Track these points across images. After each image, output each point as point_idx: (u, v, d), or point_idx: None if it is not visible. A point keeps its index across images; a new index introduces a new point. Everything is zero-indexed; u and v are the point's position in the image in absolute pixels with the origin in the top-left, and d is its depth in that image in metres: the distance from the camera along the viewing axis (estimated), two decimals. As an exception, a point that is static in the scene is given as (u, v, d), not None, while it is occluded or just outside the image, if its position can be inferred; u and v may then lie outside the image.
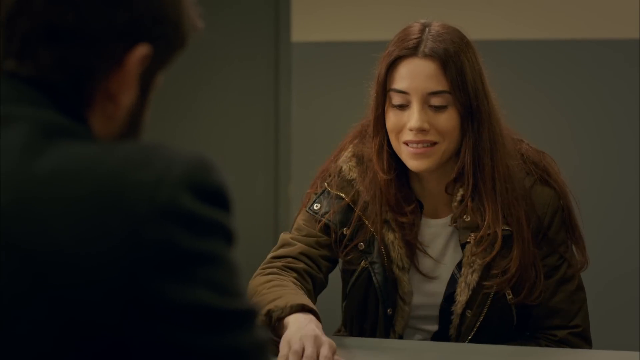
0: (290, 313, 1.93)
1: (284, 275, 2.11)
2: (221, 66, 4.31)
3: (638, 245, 3.90)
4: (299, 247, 2.17)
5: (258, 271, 2.15)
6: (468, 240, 2.10)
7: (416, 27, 2.09)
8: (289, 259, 2.15)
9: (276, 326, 1.94)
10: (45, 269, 0.88)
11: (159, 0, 1.00)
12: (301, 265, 2.14)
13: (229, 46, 4.30)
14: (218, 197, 0.94)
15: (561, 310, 2.15)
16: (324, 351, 1.83)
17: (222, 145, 4.31)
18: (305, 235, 2.18)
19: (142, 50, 0.99)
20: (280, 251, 2.18)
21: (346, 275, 2.22)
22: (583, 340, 2.17)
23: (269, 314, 1.94)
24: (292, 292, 2.01)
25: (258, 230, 4.15)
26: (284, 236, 2.22)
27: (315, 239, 2.18)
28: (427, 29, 2.08)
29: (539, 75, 3.99)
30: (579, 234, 2.18)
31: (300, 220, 2.22)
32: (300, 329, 1.88)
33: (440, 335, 2.18)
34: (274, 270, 2.13)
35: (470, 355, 2.02)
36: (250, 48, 4.29)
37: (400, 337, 2.18)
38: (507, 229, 2.09)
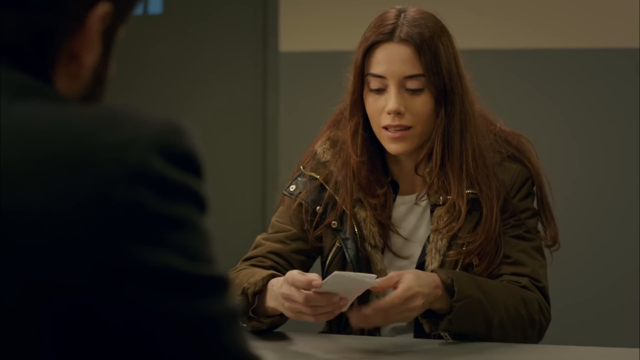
0: (263, 285, 2.01)
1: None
2: (209, 74, 4.36)
3: (638, 245, 3.91)
4: (267, 246, 2.22)
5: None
6: (438, 202, 2.14)
7: (392, 13, 2.15)
8: (258, 258, 2.21)
9: (256, 305, 2.02)
10: (9, 227, 0.87)
11: None
12: (269, 263, 2.19)
13: (216, 55, 4.34)
14: (189, 162, 0.92)
15: (522, 262, 2.15)
16: (292, 277, 1.90)
17: (209, 151, 4.30)
18: (275, 232, 2.24)
19: (102, 8, 0.98)
20: (250, 253, 2.24)
21: (323, 259, 2.24)
22: (544, 297, 2.15)
23: (244, 292, 2.02)
24: (262, 271, 2.09)
25: (245, 231, 4.18)
26: (257, 238, 2.28)
27: (285, 233, 2.22)
28: (402, 14, 2.14)
29: (541, 82, 4.01)
30: (549, 212, 2.21)
31: (274, 218, 2.28)
32: (276, 290, 1.96)
33: None
34: (242, 268, 2.19)
35: (451, 352, 2.03)
36: (238, 57, 4.35)
37: None
38: (473, 193, 2.12)
